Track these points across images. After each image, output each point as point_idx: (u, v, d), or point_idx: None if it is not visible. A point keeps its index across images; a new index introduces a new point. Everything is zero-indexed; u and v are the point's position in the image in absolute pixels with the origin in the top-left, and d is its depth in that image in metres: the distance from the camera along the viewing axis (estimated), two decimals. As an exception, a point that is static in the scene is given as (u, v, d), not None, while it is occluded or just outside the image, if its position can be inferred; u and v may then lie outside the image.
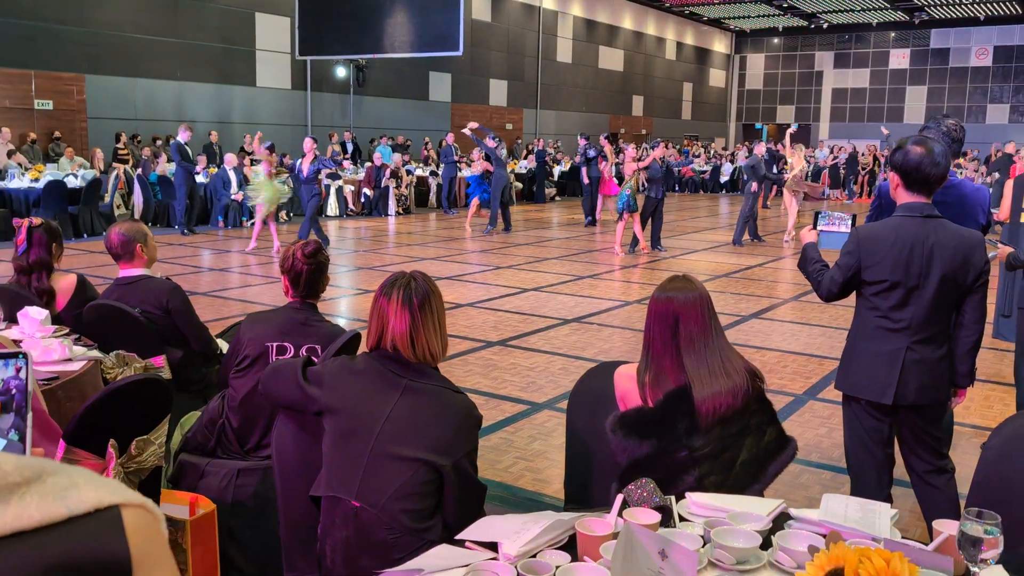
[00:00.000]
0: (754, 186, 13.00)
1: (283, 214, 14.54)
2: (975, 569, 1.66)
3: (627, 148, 13.09)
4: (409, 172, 18.31)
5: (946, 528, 1.84)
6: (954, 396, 3.06)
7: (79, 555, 0.60)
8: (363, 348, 2.70)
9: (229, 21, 18.44)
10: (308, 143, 11.62)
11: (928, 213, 2.86)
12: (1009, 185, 6.75)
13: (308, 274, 3.10)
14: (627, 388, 2.50)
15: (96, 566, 0.61)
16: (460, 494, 2.28)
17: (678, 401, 2.37)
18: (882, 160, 24.52)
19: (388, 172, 17.03)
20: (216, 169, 14.74)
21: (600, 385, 2.75)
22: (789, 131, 15.67)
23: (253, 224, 12.02)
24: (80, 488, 0.62)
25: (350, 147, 19.80)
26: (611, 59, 29.64)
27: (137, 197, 14.34)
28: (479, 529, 1.96)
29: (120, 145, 15.92)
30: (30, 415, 0.87)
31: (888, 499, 3.06)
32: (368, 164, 17.67)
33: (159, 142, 16.52)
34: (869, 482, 3.07)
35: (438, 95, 23.60)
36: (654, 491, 2.06)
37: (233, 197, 14.03)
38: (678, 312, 2.40)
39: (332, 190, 16.61)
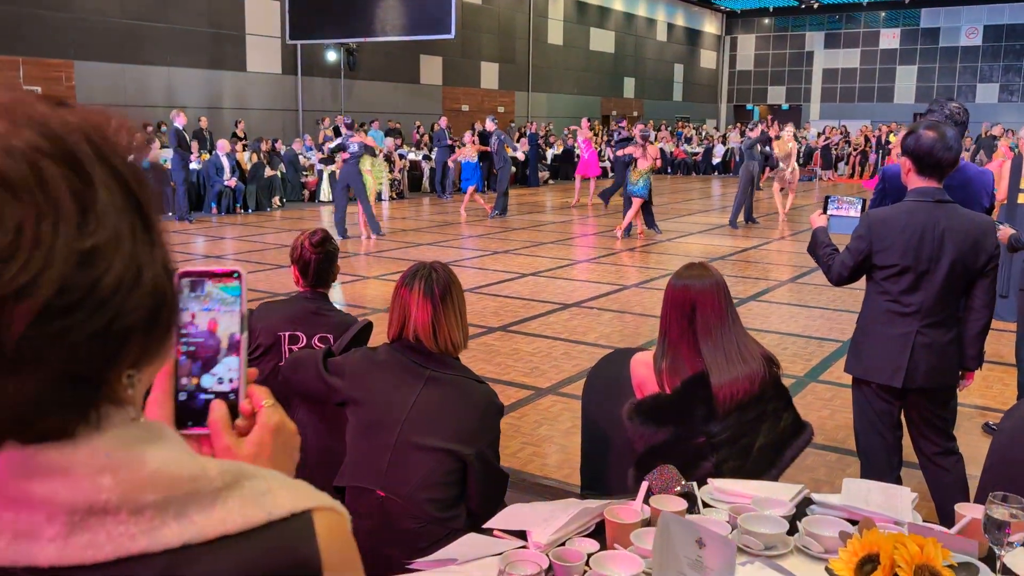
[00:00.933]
0: (756, 168, 13.02)
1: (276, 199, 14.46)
2: (1000, 552, 1.68)
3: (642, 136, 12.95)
4: (402, 156, 18.25)
5: (968, 511, 1.86)
6: (962, 379, 3.10)
7: (276, 560, 0.61)
8: (379, 339, 2.70)
9: (218, 5, 18.27)
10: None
11: (940, 198, 2.88)
12: (1007, 167, 6.80)
13: (317, 263, 3.10)
14: (644, 375, 2.52)
15: (290, 570, 0.62)
16: (484, 482, 2.30)
17: (696, 387, 2.38)
18: (874, 141, 24.59)
19: (381, 156, 16.95)
20: (208, 155, 14.65)
21: (615, 372, 2.76)
22: (771, 129, 15.61)
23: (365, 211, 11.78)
24: (275, 492, 0.63)
25: (342, 131, 19.69)
26: (602, 41, 29.53)
27: (129, 184, 14.24)
28: (507, 517, 1.98)
29: (110, 132, 15.79)
30: (244, 355, 0.78)
31: (898, 481, 3.10)
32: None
33: (150, 128, 16.40)
34: (879, 464, 3.11)
35: (429, 78, 23.48)
36: (677, 477, 2.08)
37: (226, 183, 13.96)
38: (695, 299, 2.41)
39: (325, 176, 16.54)
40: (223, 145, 14.18)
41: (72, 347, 0.54)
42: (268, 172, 15.15)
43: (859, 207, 3.25)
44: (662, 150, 13.01)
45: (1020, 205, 6.39)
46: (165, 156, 13.92)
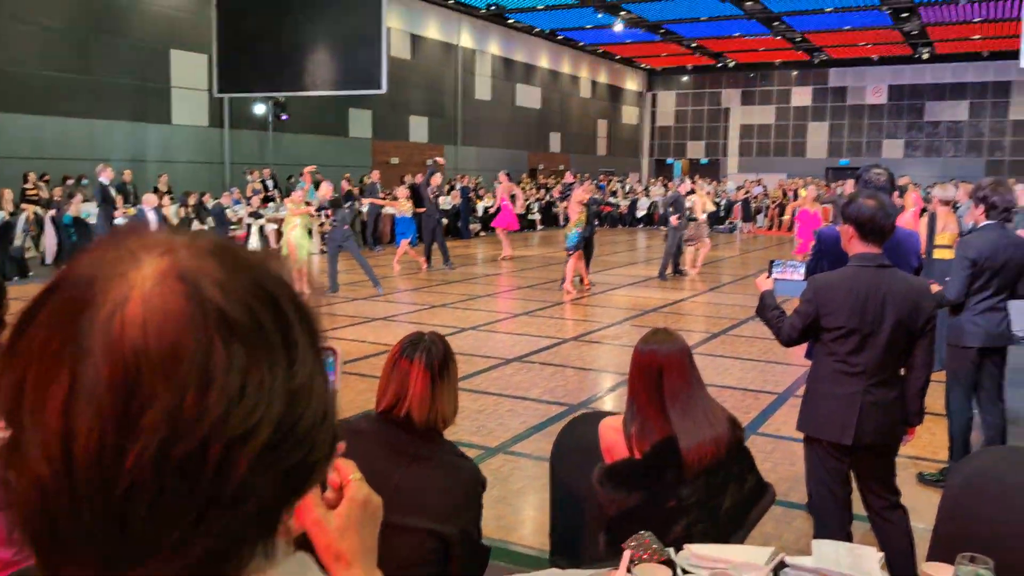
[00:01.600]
0: (675, 220, 13.35)
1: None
2: (970, 610, 1.77)
3: (577, 186, 13.22)
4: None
5: (936, 572, 1.95)
6: (906, 435, 3.24)
7: None
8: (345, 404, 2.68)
9: (143, 58, 18.03)
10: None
11: (881, 263, 3.04)
12: (923, 223, 7.17)
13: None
14: (613, 440, 2.57)
15: None
16: (465, 559, 2.28)
17: (665, 452, 2.45)
18: (791, 194, 25.54)
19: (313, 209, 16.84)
20: (134, 210, 14.33)
21: (584, 436, 2.81)
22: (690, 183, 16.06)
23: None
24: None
25: (271, 184, 19.53)
26: (529, 97, 30.13)
27: (49, 239, 13.81)
28: (492, 591, 1.99)
29: (28, 185, 15.34)
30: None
31: (849, 536, 3.21)
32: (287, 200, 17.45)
33: (70, 182, 15.97)
34: (831, 519, 3.21)
35: (358, 131, 23.53)
36: (656, 544, 2.12)
37: (152, 238, 13.65)
38: (662, 364, 2.48)
39: (254, 229, 16.34)
40: (149, 199, 13.89)
41: (272, 483, 0.56)
42: (196, 226, 14.89)
43: (802, 271, 3.41)
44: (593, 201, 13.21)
45: (936, 260, 6.72)
46: (88, 211, 13.57)
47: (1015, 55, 12.61)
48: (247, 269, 0.58)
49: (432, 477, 2.22)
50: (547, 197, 25.00)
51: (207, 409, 0.52)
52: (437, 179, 14.97)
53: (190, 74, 19.07)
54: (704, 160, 36.28)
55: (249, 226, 16.44)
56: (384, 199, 17.96)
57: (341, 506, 0.81)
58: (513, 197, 16.58)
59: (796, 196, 24.69)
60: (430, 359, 2.24)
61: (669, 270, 13.74)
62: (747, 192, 25.97)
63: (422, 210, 14.63)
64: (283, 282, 0.60)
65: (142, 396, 0.52)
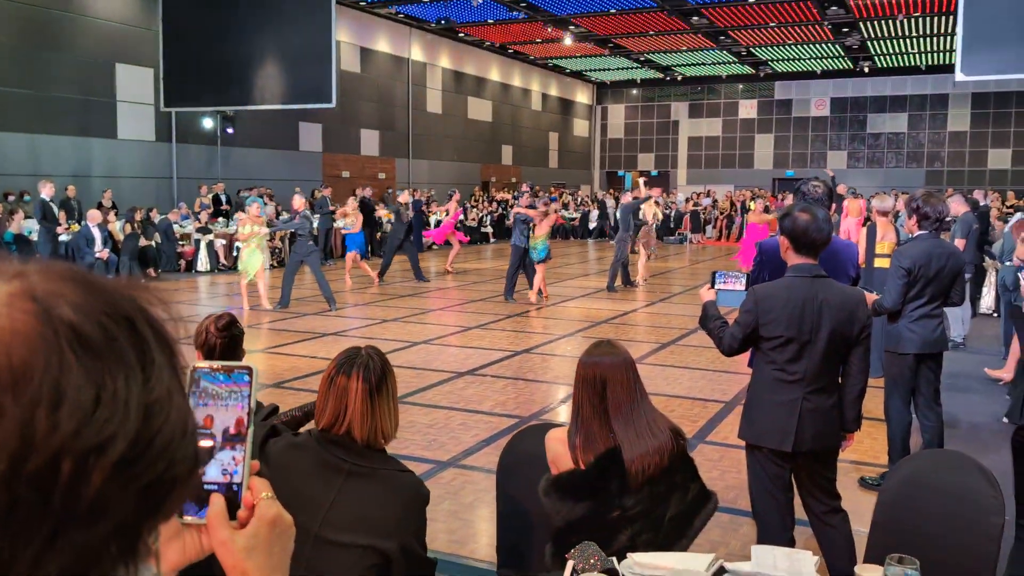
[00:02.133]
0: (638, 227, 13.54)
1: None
2: (899, 609, 1.84)
3: (539, 201, 13.24)
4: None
5: (868, 573, 2.02)
6: (844, 440, 3.33)
7: None
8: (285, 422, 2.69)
9: (87, 72, 17.71)
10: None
11: (816, 273, 3.13)
12: (863, 233, 7.36)
13: (222, 348, 3.05)
14: (558, 451, 2.60)
15: None
16: (408, 573, 2.28)
17: (609, 463, 2.49)
18: (739, 205, 25.92)
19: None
20: (78, 226, 14.05)
21: (530, 448, 2.84)
22: (642, 180, 16.41)
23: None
24: None
25: (224, 199, 19.29)
26: (480, 110, 30.23)
27: (-11, 257, 13.46)
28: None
29: (-34, 202, 14.94)
30: (249, 448, 0.81)
31: (791, 540, 3.28)
32: (240, 216, 17.26)
33: (11, 198, 15.59)
34: (774, 525, 3.28)
35: (309, 145, 23.38)
36: (599, 554, 2.16)
37: (97, 255, 13.39)
38: (605, 376, 2.53)
39: (202, 244, 16.12)
40: (93, 215, 13.65)
41: (130, 499, 0.57)
42: (143, 242, 14.64)
43: (744, 281, 3.49)
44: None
45: (877, 269, 6.91)
46: (29, 228, 13.27)
47: (951, 68, 13.02)
48: (102, 292, 0.59)
49: (371, 492, 2.20)
50: (500, 210, 25.07)
51: (59, 423, 0.53)
52: (404, 196, 15.13)
53: (136, 88, 18.77)
54: (654, 172, 36.71)
55: (198, 241, 16.21)
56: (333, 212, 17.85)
57: (249, 525, 0.81)
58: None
59: (744, 208, 25.16)
60: (367, 374, 2.21)
61: (619, 282, 13.87)
62: (696, 204, 26.33)
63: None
64: (140, 306, 0.61)
65: None
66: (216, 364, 0.83)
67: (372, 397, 2.21)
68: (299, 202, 11.71)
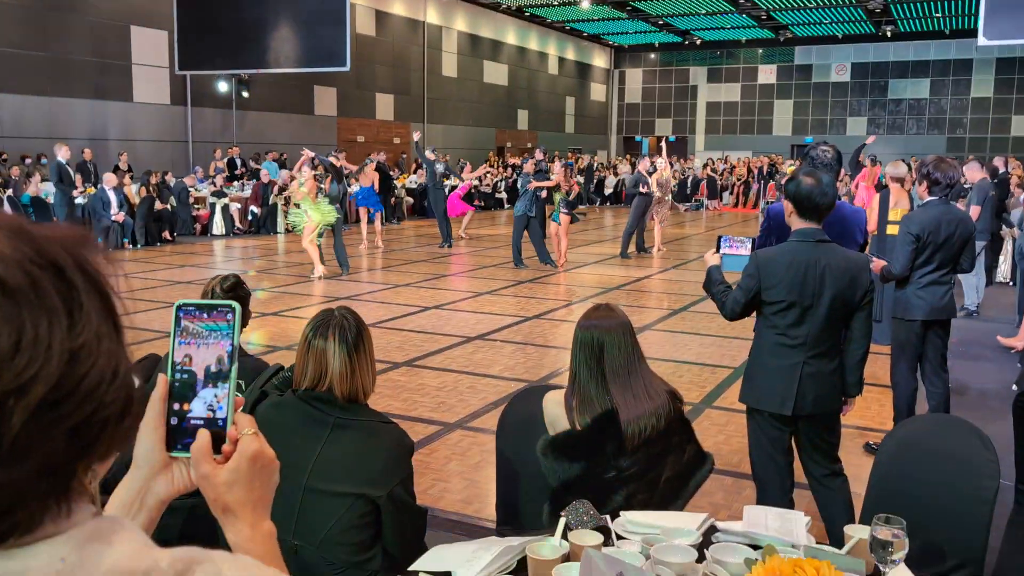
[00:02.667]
0: (644, 188, 13.41)
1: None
2: (885, 569, 1.86)
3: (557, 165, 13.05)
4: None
5: (856, 533, 2.04)
6: (846, 404, 3.34)
7: None
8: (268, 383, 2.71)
9: (102, 34, 17.71)
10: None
11: (819, 238, 3.12)
12: (876, 200, 7.30)
13: (228, 309, 3.08)
14: (556, 413, 2.63)
15: None
16: (398, 521, 2.34)
17: (605, 424, 2.51)
18: (756, 171, 25.70)
19: (276, 188, 16.74)
20: (94, 189, 14.14)
21: (528, 409, 2.87)
22: (661, 143, 16.28)
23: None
24: (224, 575, 0.66)
25: (238, 163, 19.34)
26: (496, 74, 30.01)
27: (7, 219, 13.58)
28: (431, 559, 2.04)
29: (-18, 164, 15.07)
30: (233, 384, 0.85)
31: (791, 503, 3.30)
32: (255, 181, 17.32)
33: (28, 161, 15.71)
34: (773, 488, 3.31)
35: (323, 109, 23.33)
36: (592, 512, 2.19)
37: (114, 218, 13.49)
38: (602, 340, 2.54)
39: (218, 208, 16.20)
40: (109, 179, 13.71)
41: (57, 439, 0.59)
42: (158, 206, 14.73)
43: (749, 245, 3.48)
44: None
45: (889, 236, 6.85)
46: (47, 191, 13.36)
47: (975, 33, 12.79)
48: (32, 241, 0.61)
49: (355, 443, 2.27)
50: (514, 176, 24.97)
51: None
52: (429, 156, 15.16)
53: (151, 51, 18.77)
54: (672, 137, 36.40)
55: (212, 205, 16.29)
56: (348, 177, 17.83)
57: (231, 460, 0.84)
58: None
59: (761, 173, 24.94)
60: (344, 335, 2.28)
61: (632, 248, 13.84)
62: (712, 169, 26.14)
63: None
64: (75, 254, 0.63)
65: None
66: (199, 302, 0.85)
67: (351, 356, 2.27)
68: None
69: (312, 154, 11.69)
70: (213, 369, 0.84)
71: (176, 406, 0.83)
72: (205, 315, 0.85)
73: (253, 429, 0.85)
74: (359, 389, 2.30)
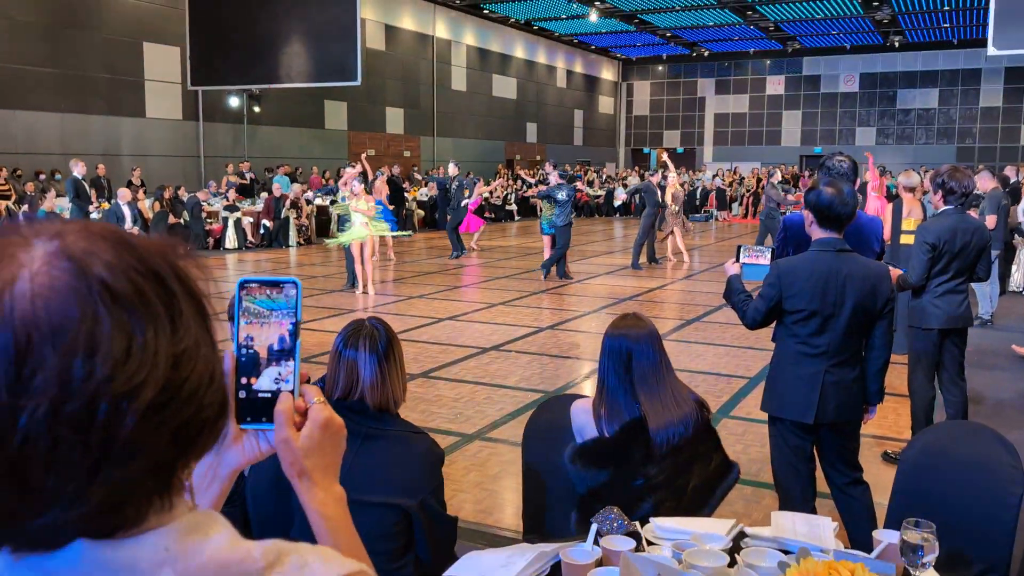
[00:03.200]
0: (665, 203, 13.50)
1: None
2: (915, 573, 1.88)
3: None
4: (308, 202, 18.15)
5: (885, 538, 2.06)
6: (867, 413, 3.36)
7: None
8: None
9: (115, 51, 17.89)
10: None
11: (840, 248, 3.15)
12: (889, 209, 7.32)
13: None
14: (584, 421, 2.66)
15: None
16: (430, 530, 2.37)
17: (634, 432, 2.54)
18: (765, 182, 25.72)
19: (288, 202, 16.84)
20: (108, 204, 14.26)
21: (553, 418, 2.90)
22: (666, 158, 16.28)
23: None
24: (311, 566, 0.70)
25: (249, 177, 19.46)
26: (504, 87, 30.15)
27: (22, 234, 13.71)
28: (465, 566, 2.07)
29: (1, 180, 15.20)
30: (298, 357, 0.89)
31: (813, 510, 3.32)
32: (266, 195, 17.43)
33: (43, 176, 15.86)
34: (795, 495, 3.33)
35: (334, 123, 23.48)
36: (622, 518, 2.22)
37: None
38: (631, 348, 2.58)
39: (230, 222, 16.30)
40: (124, 194, 13.83)
41: (162, 439, 0.63)
42: (171, 220, 14.84)
43: (769, 255, 3.50)
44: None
45: (902, 246, 6.88)
46: (61, 206, 13.48)
47: (984, 43, 12.84)
48: (133, 250, 0.64)
49: (387, 453, 2.29)
50: (524, 188, 25.05)
51: (94, 371, 0.59)
52: (453, 169, 15.19)
53: (163, 67, 18.95)
54: (680, 149, 36.47)
55: (225, 219, 16.39)
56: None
57: (304, 427, 0.89)
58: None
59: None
60: (374, 344, 2.30)
61: (643, 259, 13.86)
62: (722, 180, 26.16)
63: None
64: (170, 262, 0.66)
65: (33, 361, 0.58)
66: (260, 278, 0.88)
67: (382, 366, 2.29)
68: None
69: (360, 169, 11.56)
70: (276, 348, 0.87)
71: (243, 380, 0.86)
72: (268, 291, 0.87)
73: (321, 399, 0.90)
74: (390, 399, 2.32)
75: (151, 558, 0.64)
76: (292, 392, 0.88)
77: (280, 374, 0.87)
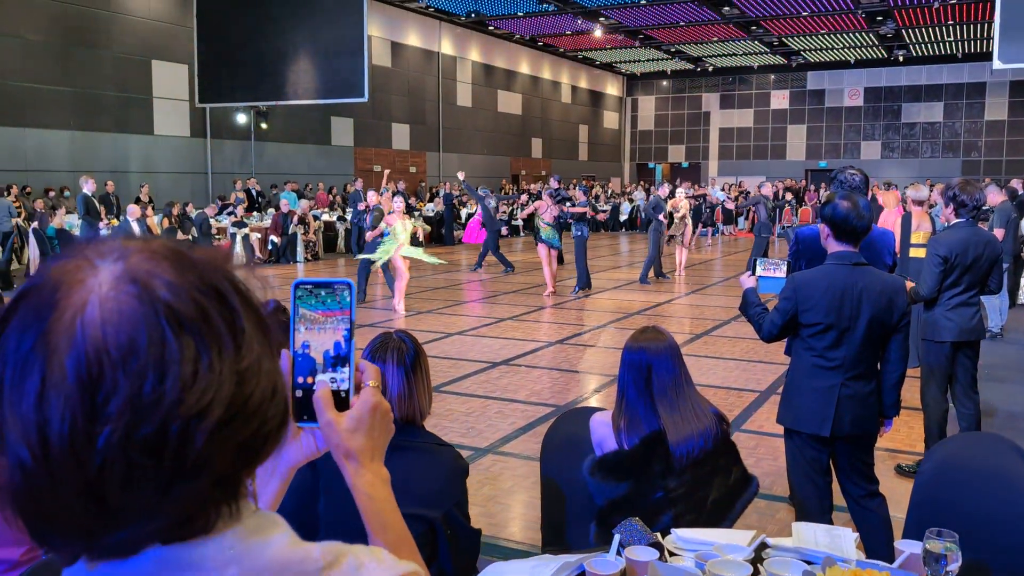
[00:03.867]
0: (663, 217, 13.53)
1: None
2: (939, 582, 1.89)
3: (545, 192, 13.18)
4: (316, 218, 18.22)
5: (907, 548, 2.07)
6: (883, 426, 3.37)
7: None
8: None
9: (124, 69, 18.03)
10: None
11: (856, 261, 3.17)
12: (898, 222, 7.34)
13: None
14: (603, 434, 2.68)
15: None
16: (454, 542, 2.39)
17: (654, 445, 2.56)
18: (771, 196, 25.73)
19: (295, 218, 16.91)
20: (117, 221, 14.33)
21: (572, 431, 2.92)
22: (673, 185, 16.24)
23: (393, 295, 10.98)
24: (367, 567, 0.73)
25: (255, 193, 19.55)
26: (510, 103, 30.28)
27: (32, 251, 13.79)
28: (490, 576, 2.09)
29: (11, 197, 15.30)
30: (353, 357, 0.90)
31: (830, 523, 3.32)
32: (274, 211, 17.50)
33: (52, 193, 15.96)
34: (812, 508, 3.33)
35: (340, 140, 23.60)
36: (644, 529, 2.23)
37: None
38: (650, 362, 2.59)
39: (238, 238, 16.36)
40: (133, 210, 13.89)
41: (229, 453, 0.65)
42: (180, 236, 14.91)
43: (785, 268, 3.52)
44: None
45: (911, 259, 6.88)
46: (71, 223, 13.56)
47: (989, 56, 12.88)
48: (194, 268, 0.66)
49: (413, 464, 2.30)
50: (530, 203, 25.10)
51: (164, 394, 0.61)
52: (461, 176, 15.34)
53: (171, 85, 19.08)
54: (685, 164, 36.54)
55: (233, 235, 16.46)
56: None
57: (353, 408, 0.91)
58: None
59: (776, 197, 24.95)
60: (401, 357, 2.32)
61: (651, 274, 13.88)
62: (731, 197, 26.19)
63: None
64: (229, 277, 0.68)
65: (106, 387, 0.60)
66: (315, 280, 0.90)
67: (409, 379, 2.31)
68: (373, 197, 11.70)
69: (392, 187, 11.37)
70: (332, 354, 0.89)
71: (300, 379, 0.88)
72: (322, 292, 0.89)
73: (376, 382, 0.92)
74: (416, 411, 2.34)
75: (218, 557, 0.66)
76: (348, 391, 0.90)
77: (336, 376, 0.89)
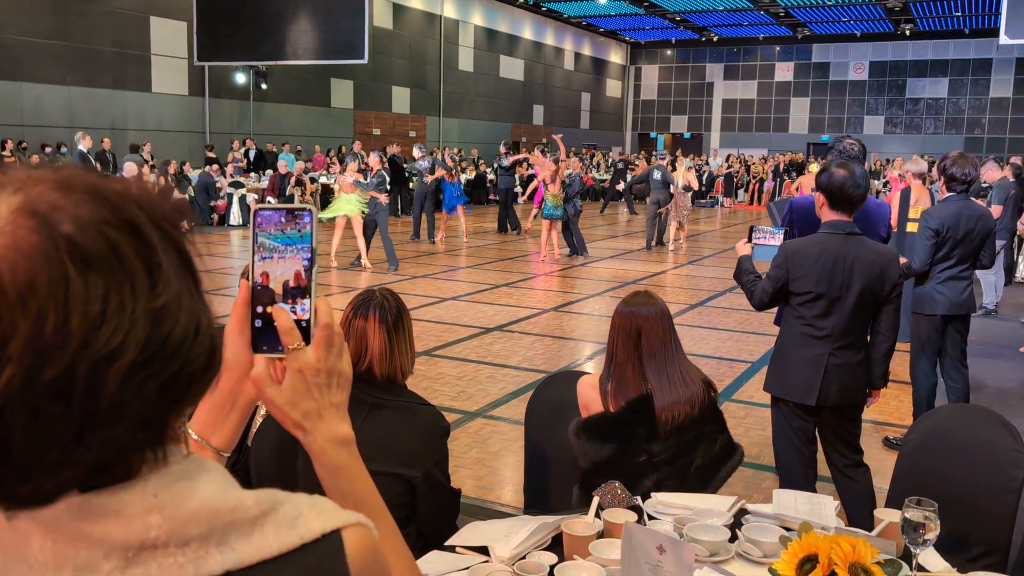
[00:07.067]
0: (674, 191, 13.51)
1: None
2: (916, 550, 1.89)
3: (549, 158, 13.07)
4: (313, 180, 18.12)
5: (886, 516, 2.07)
6: (870, 397, 3.36)
7: None
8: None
9: (122, 24, 17.82)
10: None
11: (850, 231, 3.14)
12: (896, 197, 7.30)
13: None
14: (590, 396, 2.66)
15: None
16: (432, 501, 2.38)
17: (639, 408, 2.54)
18: (770, 169, 25.64)
19: (293, 180, 16.82)
20: (113, 178, 14.24)
21: (557, 394, 2.91)
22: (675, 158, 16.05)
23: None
24: (306, 516, 0.68)
25: (253, 154, 19.43)
26: (512, 68, 30.01)
27: (28, 207, 13.72)
28: (468, 535, 2.09)
29: (6, 152, 15.19)
30: (314, 286, 0.86)
31: (814, 491, 3.33)
32: (271, 172, 17.40)
33: (48, 149, 15.84)
34: (796, 477, 3.33)
35: (340, 102, 23.40)
36: (624, 492, 2.23)
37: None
38: (641, 326, 2.57)
39: (235, 199, 16.29)
40: (130, 167, 13.78)
41: (148, 396, 0.60)
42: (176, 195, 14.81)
43: (781, 236, 3.49)
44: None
45: (909, 233, 6.86)
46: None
47: (996, 32, 12.76)
48: (104, 199, 0.60)
49: (393, 423, 2.28)
50: (530, 169, 24.96)
51: (69, 335, 0.56)
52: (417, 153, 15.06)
53: (169, 41, 18.87)
54: (687, 135, 36.33)
55: (230, 196, 16.38)
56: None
57: (285, 380, 0.85)
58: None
59: (776, 171, 24.87)
60: (384, 314, 2.29)
61: (654, 240, 13.91)
62: (729, 167, 26.08)
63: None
64: (147, 208, 0.62)
65: (3, 328, 0.55)
66: (276, 206, 0.85)
67: (390, 336, 2.29)
68: (375, 160, 11.63)
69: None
70: (292, 284, 0.85)
71: (259, 309, 0.85)
72: (282, 219, 0.85)
73: (296, 344, 0.84)
74: (398, 369, 2.32)
75: (139, 503, 0.62)
76: (308, 320, 0.85)
77: (295, 307, 0.85)
